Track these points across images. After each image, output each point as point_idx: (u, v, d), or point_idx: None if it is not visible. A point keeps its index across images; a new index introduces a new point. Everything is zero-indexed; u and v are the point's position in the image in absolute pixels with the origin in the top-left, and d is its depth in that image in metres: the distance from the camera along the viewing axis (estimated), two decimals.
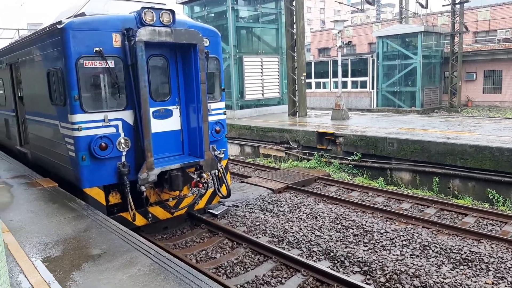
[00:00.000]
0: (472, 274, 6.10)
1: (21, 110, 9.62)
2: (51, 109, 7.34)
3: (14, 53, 9.19)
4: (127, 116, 6.80)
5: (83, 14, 6.84)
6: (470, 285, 5.73)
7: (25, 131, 9.51)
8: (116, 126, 6.72)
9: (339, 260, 6.60)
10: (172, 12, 6.97)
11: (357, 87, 31.38)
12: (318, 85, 34.18)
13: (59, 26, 6.33)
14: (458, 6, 27.53)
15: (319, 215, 8.66)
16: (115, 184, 6.84)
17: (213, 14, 20.79)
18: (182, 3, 21.72)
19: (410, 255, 6.77)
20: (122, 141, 6.74)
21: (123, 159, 6.79)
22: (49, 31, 6.84)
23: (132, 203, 6.69)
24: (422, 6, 28.84)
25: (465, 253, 6.70)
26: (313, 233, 7.74)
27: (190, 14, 21.19)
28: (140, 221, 7.04)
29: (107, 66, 6.52)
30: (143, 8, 6.70)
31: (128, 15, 6.81)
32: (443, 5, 28.55)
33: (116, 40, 6.59)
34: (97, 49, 6.40)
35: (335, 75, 30.52)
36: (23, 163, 9.34)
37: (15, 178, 7.92)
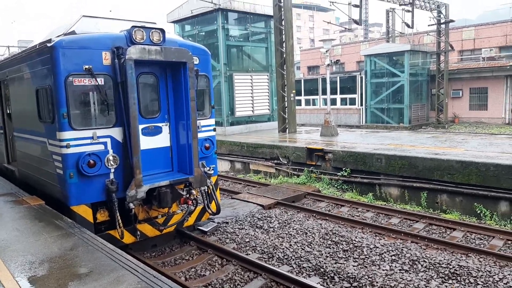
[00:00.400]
0: None
1: (9, 127, 9.56)
2: (39, 126, 7.31)
3: (3, 70, 9.19)
4: (116, 133, 6.80)
5: (73, 32, 6.91)
6: None
7: (13, 148, 9.43)
8: (105, 143, 6.71)
9: (329, 276, 6.59)
10: (162, 31, 7.07)
11: (346, 104, 31.80)
12: (307, 102, 34.57)
13: (48, 44, 6.37)
14: (443, 26, 28.32)
15: (309, 231, 8.66)
16: (103, 201, 6.77)
17: (204, 33, 21.08)
18: (173, 22, 22.01)
19: (400, 270, 6.79)
20: (111, 158, 6.72)
21: (112, 176, 6.75)
22: (39, 49, 6.88)
23: (120, 221, 6.62)
24: (408, 26, 29.50)
25: (453, 267, 6.74)
26: (303, 249, 7.73)
27: (181, 33, 21.46)
28: (128, 238, 6.97)
29: (97, 83, 6.56)
30: (133, 27, 6.79)
31: (118, 33, 6.89)
32: (429, 25, 29.35)
33: (106, 58, 6.65)
34: (86, 67, 6.44)
35: (324, 92, 30.92)
36: (10, 181, 9.23)
37: (1, 196, 7.80)
